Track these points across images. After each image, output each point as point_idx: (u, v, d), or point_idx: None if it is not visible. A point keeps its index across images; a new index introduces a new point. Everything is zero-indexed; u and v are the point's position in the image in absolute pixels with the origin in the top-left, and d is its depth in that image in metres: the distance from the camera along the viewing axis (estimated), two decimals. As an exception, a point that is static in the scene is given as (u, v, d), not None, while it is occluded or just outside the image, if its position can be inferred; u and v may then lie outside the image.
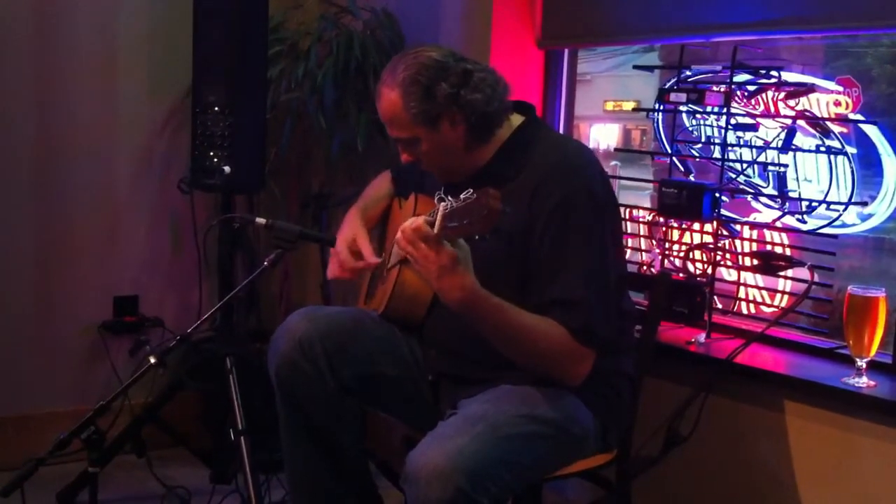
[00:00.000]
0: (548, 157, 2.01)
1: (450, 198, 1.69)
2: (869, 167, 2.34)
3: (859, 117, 2.33)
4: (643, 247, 2.80)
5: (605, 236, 1.99)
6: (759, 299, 2.55)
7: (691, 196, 2.47)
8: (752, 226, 2.55)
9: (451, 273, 1.78)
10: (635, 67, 2.92)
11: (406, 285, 2.12)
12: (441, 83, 1.99)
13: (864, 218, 2.35)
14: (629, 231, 2.79)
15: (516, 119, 2.10)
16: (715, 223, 2.53)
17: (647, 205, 2.83)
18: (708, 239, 2.58)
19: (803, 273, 2.38)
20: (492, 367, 2.00)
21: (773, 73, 2.46)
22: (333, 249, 2.31)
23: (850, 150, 2.35)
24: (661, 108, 2.70)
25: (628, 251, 2.76)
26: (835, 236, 2.37)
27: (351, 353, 2.10)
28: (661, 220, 2.68)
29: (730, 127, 2.52)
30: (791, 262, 2.42)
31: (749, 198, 2.56)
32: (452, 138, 2.02)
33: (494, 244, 1.83)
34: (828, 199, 2.39)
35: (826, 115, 2.38)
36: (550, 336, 1.89)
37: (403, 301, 2.14)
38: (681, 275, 2.61)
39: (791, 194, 2.46)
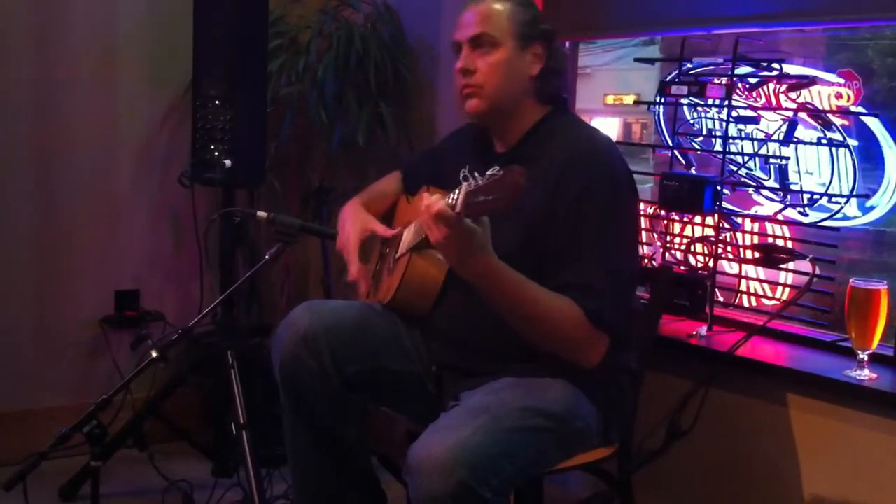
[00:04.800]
0: (575, 143, 2.04)
1: (476, 174, 1.68)
2: (870, 160, 2.33)
3: (861, 110, 2.33)
4: (644, 240, 2.79)
5: (625, 226, 2.01)
6: (760, 292, 2.55)
7: (692, 189, 2.47)
8: (754, 218, 2.55)
9: (472, 253, 1.78)
10: (636, 60, 2.91)
11: (415, 275, 2.12)
12: (545, 22, 2.13)
13: (866, 210, 2.35)
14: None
15: (547, 108, 2.15)
16: (716, 216, 2.53)
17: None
18: (709, 232, 2.58)
19: (805, 266, 2.38)
20: (496, 359, 2.00)
21: (775, 65, 2.45)
22: (347, 247, 2.29)
23: (852, 142, 2.35)
24: (662, 100, 2.70)
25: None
26: (836, 229, 2.37)
27: (355, 347, 2.10)
28: (663, 212, 2.68)
29: (731, 119, 2.52)
30: (792, 255, 2.42)
31: (750, 190, 2.56)
32: (526, 67, 2.09)
33: (516, 227, 1.87)
34: (829, 191, 2.39)
35: (827, 108, 2.38)
36: (566, 315, 1.89)
37: (412, 291, 2.13)
38: (682, 268, 2.62)
39: (792, 187, 2.46)
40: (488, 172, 1.66)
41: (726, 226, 2.55)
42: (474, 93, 2.09)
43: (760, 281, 2.54)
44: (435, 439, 1.78)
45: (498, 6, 2.09)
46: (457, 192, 1.72)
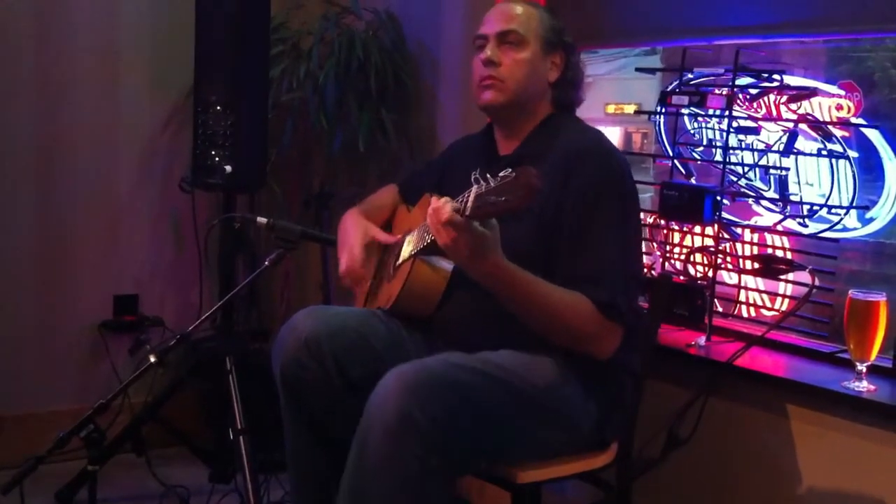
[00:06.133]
0: (579, 140, 2.08)
1: (489, 175, 1.69)
2: (870, 171, 2.34)
3: (861, 121, 2.33)
4: (644, 249, 2.79)
5: (631, 220, 2.04)
6: (759, 303, 2.55)
7: (692, 199, 2.47)
8: (754, 229, 2.55)
9: (481, 254, 1.80)
10: (637, 70, 2.92)
11: (418, 280, 2.12)
12: (568, 35, 2.20)
13: (866, 222, 2.35)
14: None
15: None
16: (716, 226, 2.53)
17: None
18: (709, 242, 2.58)
19: (804, 277, 2.38)
20: None
21: (776, 76, 2.46)
22: (351, 250, 2.28)
23: (852, 153, 2.35)
24: (663, 110, 2.70)
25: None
26: (836, 240, 2.37)
27: (357, 352, 2.10)
28: (663, 222, 2.68)
29: (731, 130, 2.52)
30: (792, 266, 2.42)
31: (750, 201, 2.56)
32: (546, 72, 2.15)
33: (527, 225, 1.91)
34: (829, 202, 2.39)
35: (828, 119, 2.38)
36: (577, 310, 1.91)
37: (414, 296, 2.14)
38: (681, 277, 2.62)
39: (792, 198, 2.46)
40: (500, 174, 1.66)
41: (726, 236, 2.55)
42: (494, 85, 2.12)
43: (760, 291, 2.54)
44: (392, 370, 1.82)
45: (529, 9, 2.16)
46: (466, 194, 1.73)
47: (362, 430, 1.80)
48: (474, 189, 1.70)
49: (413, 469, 1.75)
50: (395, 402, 1.75)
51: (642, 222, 2.28)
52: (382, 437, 1.76)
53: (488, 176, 1.69)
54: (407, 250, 2.15)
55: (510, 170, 1.66)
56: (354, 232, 2.32)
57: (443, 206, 1.77)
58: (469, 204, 1.71)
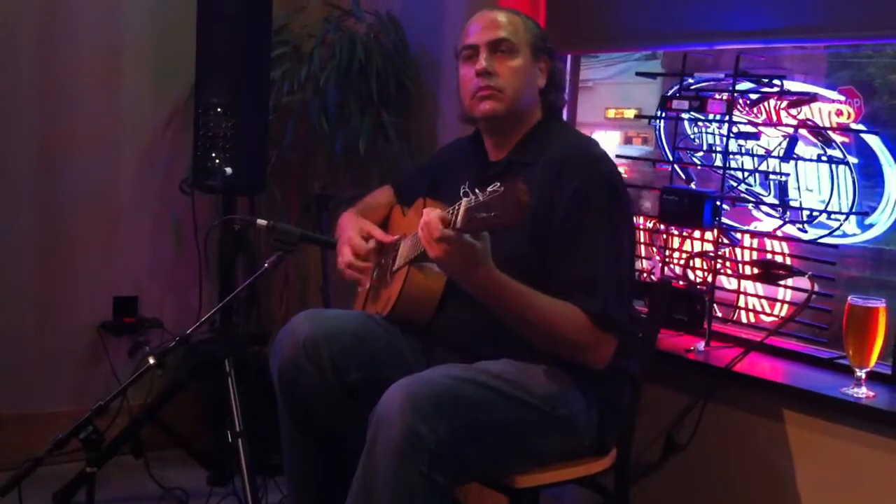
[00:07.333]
0: (570, 145, 2.08)
1: (477, 190, 1.69)
2: (870, 177, 2.34)
3: (861, 127, 2.33)
4: (644, 254, 2.79)
5: (623, 224, 2.04)
6: (758, 308, 2.55)
7: (692, 204, 2.47)
8: (753, 234, 2.55)
9: (472, 267, 1.80)
10: (638, 74, 2.92)
11: (414, 288, 2.12)
12: (549, 41, 2.21)
13: (865, 228, 2.35)
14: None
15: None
16: (715, 231, 2.53)
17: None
18: (708, 247, 2.58)
19: (803, 282, 2.38)
20: None
21: (776, 81, 2.46)
22: (343, 250, 2.30)
23: (852, 159, 2.36)
24: (663, 115, 2.70)
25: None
26: (835, 246, 2.37)
27: (355, 356, 2.10)
28: (662, 227, 2.68)
29: (731, 135, 2.52)
30: (791, 272, 2.42)
31: (750, 206, 2.56)
32: (536, 77, 2.16)
33: (519, 232, 1.90)
34: (829, 208, 2.39)
35: (828, 125, 2.38)
36: (569, 320, 1.91)
37: (411, 303, 2.14)
38: (681, 282, 2.61)
39: (792, 203, 2.46)
40: (489, 189, 1.66)
41: (725, 241, 2.55)
42: (493, 95, 2.10)
43: (759, 297, 2.54)
44: (397, 383, 1.83)
45: (512, 16, 2.15)
46: (456, 207, 1.72)
47: (368, 448, 1.80)
48: (464, 202, 1.70)
49: (419, 486, 1.75)
50: (400, 420, 1.75)
51: (638, 227, 2.28)
52: (389, 455, 1.76)
53: (477, 190, 1.68)
54: (402, 257, 2.15)
55: (498, 184, 1.65)
56: (351, 227, 2.33)
57: (433, 220, 1.77)
58: (459, 218, 1.71)
